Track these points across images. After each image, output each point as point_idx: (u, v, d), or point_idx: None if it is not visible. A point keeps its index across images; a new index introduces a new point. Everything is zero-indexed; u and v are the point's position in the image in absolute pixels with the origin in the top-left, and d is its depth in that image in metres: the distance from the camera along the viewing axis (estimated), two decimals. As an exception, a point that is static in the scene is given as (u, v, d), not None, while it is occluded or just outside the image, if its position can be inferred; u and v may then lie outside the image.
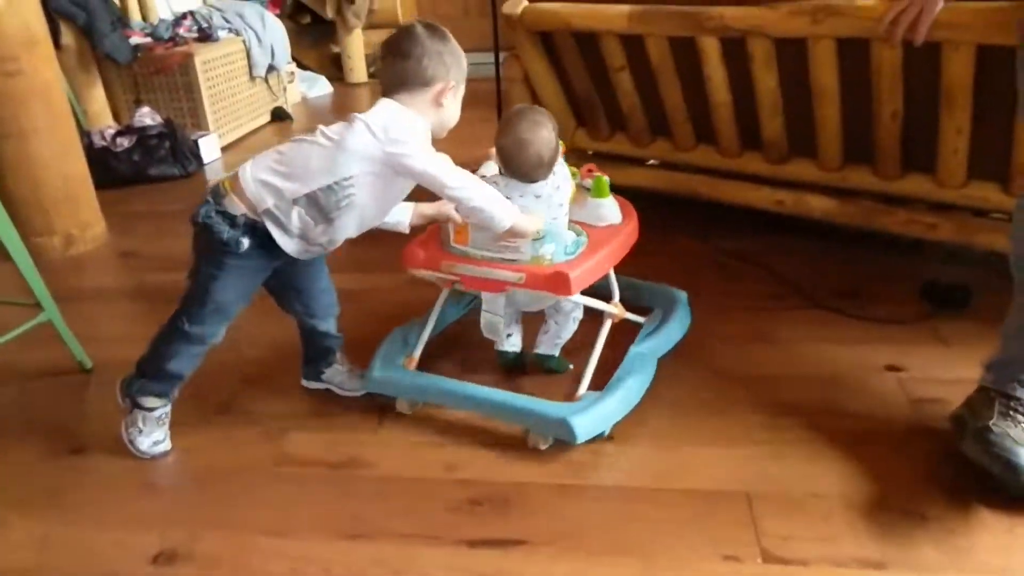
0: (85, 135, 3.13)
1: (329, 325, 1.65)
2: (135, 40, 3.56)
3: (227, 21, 4.04)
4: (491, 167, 1.60)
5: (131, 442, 1.50)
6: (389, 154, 1.31)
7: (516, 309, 1.68)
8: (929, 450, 1.41)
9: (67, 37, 3.28)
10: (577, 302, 1.59)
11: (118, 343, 1.98)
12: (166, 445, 1.52)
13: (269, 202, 1.34)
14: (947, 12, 1.59)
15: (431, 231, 1.62)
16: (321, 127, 1.36)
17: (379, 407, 1.63)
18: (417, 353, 1.68)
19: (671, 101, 2.19)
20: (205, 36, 3.81)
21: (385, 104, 1.36)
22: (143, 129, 3.31)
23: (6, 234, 1.65)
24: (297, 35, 5.07)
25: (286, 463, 1.49)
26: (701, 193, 2.31)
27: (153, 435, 1.51)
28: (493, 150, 1.53)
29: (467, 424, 1.57)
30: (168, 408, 1.53)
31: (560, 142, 1.51)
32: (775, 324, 1.88)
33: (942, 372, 1.64)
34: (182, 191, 3.17)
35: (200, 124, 3.67)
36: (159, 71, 3.60)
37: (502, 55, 2.82)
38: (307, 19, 5.31)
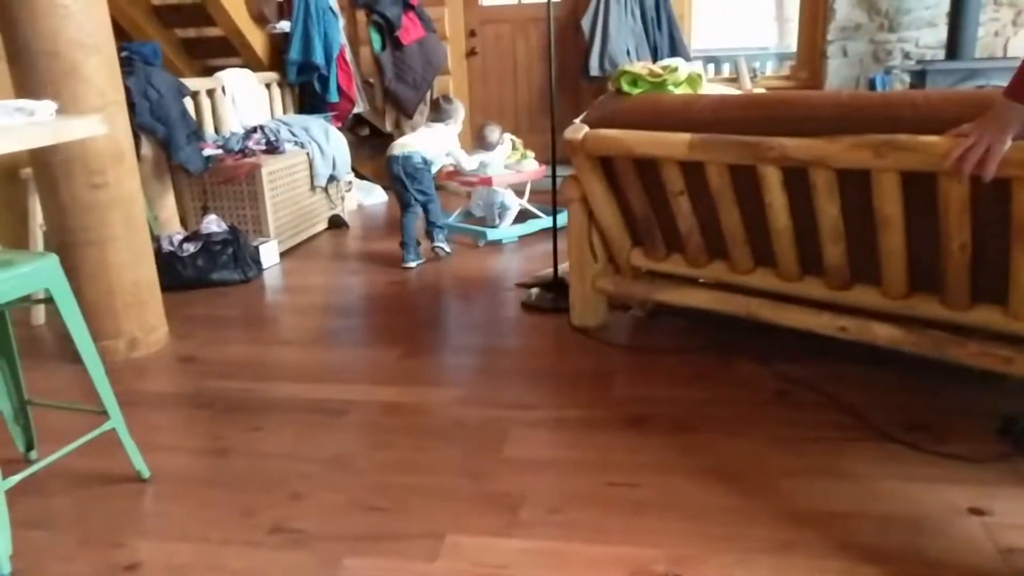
0: (154, 240, 3.26)
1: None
2: (208, 152, 3.75)
3: (293, 135, 4.26)
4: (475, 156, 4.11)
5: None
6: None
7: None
8: (1026, 609, 1.31)
9: (146, 148, 3.49)
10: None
11: (176, 452, 1.99)
12: None
13: None
14: (1015, 150, 1.59)
15: None
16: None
17: (436, 535, 1.59)
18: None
19: (730, 225, 2.20)
20: (272, 148, 4.01)
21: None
22: (209, 235, 3.44)
23: (83, 342, 1.69)
24: (356, 146, 5.31)
25: (339, 590, 1.45)
26: (760, 316, 2.28)
27: None
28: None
29: (525, 554, 1.52)
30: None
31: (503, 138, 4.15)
32: (843, 458, 1.81)
33: (1030, 519, 1.55)
34: (241, 296, 3.26)
35: (262, 231, 3.81)
36: (228, 181, 3.77)
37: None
38: (366, 131, 5.57)
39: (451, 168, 4.14)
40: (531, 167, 4.20)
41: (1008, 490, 1.64)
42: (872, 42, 4.83)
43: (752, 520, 1.59)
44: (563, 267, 2.93)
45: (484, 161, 4.06)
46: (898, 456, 1.81)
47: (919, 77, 4.28)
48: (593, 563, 1.49)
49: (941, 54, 4.56)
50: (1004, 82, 1.62)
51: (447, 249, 3.75)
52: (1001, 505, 1.59)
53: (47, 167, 2.39)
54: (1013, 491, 1.64)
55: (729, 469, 1.78)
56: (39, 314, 3.00)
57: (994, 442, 1.83)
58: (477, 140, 4.14)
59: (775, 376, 2.24)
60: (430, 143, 3.76)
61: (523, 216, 4.22)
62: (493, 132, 4.11)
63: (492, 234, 3.99)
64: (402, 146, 3.70)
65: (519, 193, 4.23)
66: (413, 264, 3.62)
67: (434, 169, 3.84)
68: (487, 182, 4.03)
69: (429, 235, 3.77)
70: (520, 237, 4.06)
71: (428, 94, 5.22)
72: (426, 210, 3.74)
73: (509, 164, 4.18)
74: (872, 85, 4.69)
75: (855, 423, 1.96)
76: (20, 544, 1.58)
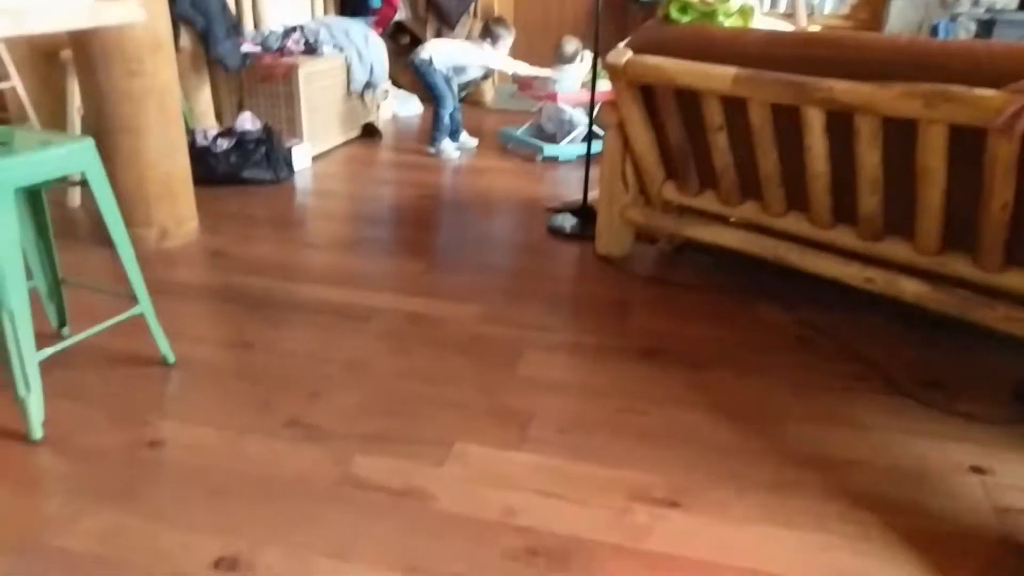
0: (189, 133, 3.27)
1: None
2: (246, 48, 3.71)
3: (333, 37, 4.18)
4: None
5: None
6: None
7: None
8: (1015, 567, 1.34)
9: (185, 40, 3.46)
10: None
11: (200, 341, 2.05)
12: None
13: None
14: (1074, 111, 1.53)
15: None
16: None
17: (445, 442, 1.65)
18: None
19: (766, 165, 2.16)
20: (311, 50, 3.96)
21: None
22: (243, 133, 3.45)
23: (115, 226, 1.73)
24: (396, 55, 5.21)
25: (350, 485, 1.51)
26: (787, 260, 2.26)
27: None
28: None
29: (530, 469, 1.57)
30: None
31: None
32: (854, 407, 1.82)
33: (1031, 482, 1.56)
34: (272, 196, 3.28)
35: (295, 133, 3.80)
36: (264, 79, 3.75)
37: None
38: (407, 40, 5.46)
39: (524, 80, 4.25)
40: (602, 88, 4.08)
41: (1012, 453, 1.65)
42: (941, -15, 4.59)
43: (755, 458, 1.62)
44: (593, 195, 2.90)
45: (556, 76, 4.04)
46: (909, 411, 1.81)
47: (986, 27, 4.09)
48: (595, 483, 1.53)
49: (1013, 3, 4.33)
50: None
51: (434, 151, 4.08)
52: (1003, 466, 1.61)
53: (86, 51, 2.38)
54: (1017, 454, 1.65)
55: (738, 408, 1.81)
56: (75, 196, 3.05)
57: (1006, 405, 1.82)
58: (555, 52, 4.11)
59: (796, 322, 2.23)
60: (445, 51, 4.04)
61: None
62: (568, 45, 4.04)
63: (548, 150, 4.01)
64: (422, 47, 4.11)
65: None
66: (432, 150, 4.08)
67: (462, 78, 4.17)
68: (552, 98, 4.00)
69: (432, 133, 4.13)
70: (579, 157, 3.95)
71: (472, 5, 5.08)
72: (435, 108, 4.07)
73: (586, 82, 4.02)
74: (934, 32, 4.49)
75: (871, 374, 1.96)
76: (52, 412, 1.66)
